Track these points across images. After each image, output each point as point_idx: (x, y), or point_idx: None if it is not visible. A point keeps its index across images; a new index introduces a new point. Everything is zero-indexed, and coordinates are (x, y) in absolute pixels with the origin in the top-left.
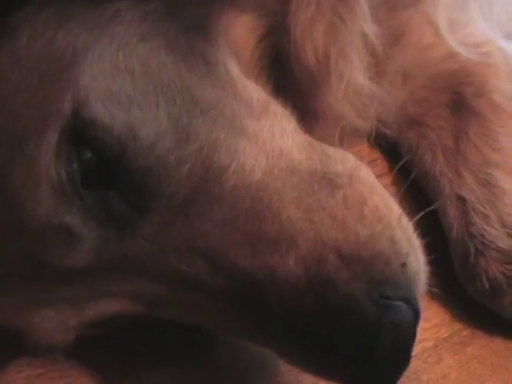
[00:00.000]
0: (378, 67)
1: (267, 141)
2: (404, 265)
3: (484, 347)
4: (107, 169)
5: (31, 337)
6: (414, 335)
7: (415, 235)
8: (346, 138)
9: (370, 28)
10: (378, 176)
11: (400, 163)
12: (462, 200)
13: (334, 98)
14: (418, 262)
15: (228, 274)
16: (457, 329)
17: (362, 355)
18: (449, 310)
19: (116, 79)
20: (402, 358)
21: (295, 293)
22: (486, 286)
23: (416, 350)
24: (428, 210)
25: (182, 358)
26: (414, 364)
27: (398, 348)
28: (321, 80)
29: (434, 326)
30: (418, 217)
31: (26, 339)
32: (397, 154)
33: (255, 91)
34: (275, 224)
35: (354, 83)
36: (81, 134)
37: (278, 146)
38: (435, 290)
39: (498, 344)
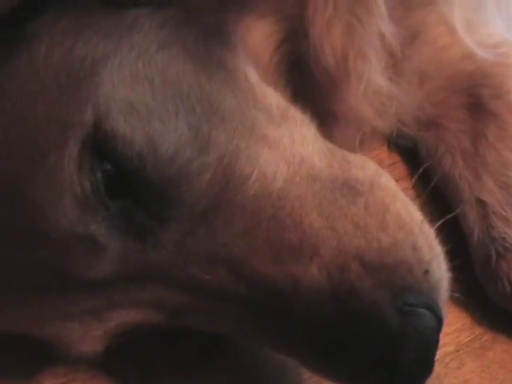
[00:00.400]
0: (395, 67)
1: (288, 148)
2: (427, 272)
3: (505, 351)
4: (129, 179)
5: (60, 348)
6: (437, 342)
7: (437, 242)
8: (366, 140)
9: (387, 28)
10: (398, 179)
11: (420, 170)
12: (482, 203)
13: (353, 98)
14: (440, 269)
15: (250, 283)
16: (478, 333)
17: (386, 363)
18: (470, 315)
19: (135, 89)
20: (425, 364)
21: (319, 301)
22: (508, 289)
23: (437, 354)
24: (448, 217)
25: (203, 367)
26: (436, 369)
27: (421, 355)
28: (340, 81)
29: (455, 330)
30: (439, 223)
31: (55, 350)
32: (416, 157)
33: (274, 98)
34: (297, 232)
35: (373, 83)
36: (102, 145)
37: (298, 153)
38: (456, 294)
39: None
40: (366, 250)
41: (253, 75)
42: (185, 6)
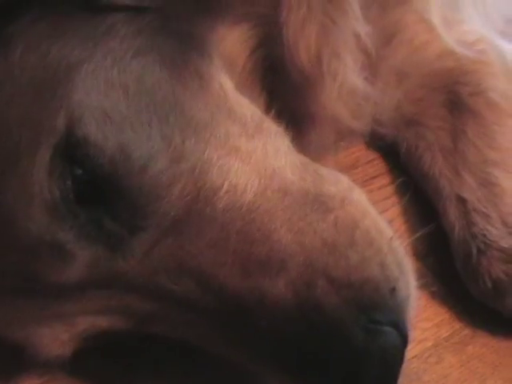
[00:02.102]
0: (371, 67)
1: (260, 160)
2: (393, 290)
3: (485, 346)
4: (99, 186)
5: (29, 351)
6: (401, 360)
7: (406, 259)
8: (343, 139)
9: (362, 28)
10: (376, 176)
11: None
12: (462, 200)
13: (328, 98)
14: (407, 287)
15: (217, 295)
16: (457, 328)
17: (349, 379)
18: (449, 310)
19: (110, 96)
20: (388, 381)
21: (284, 316)
22: (489, 285)
23: (416, 350)
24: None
25: (186, 365)
26: (414, 364)
27: (385, 372)
28: (315, 81)
29: (434, 325)
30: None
31: (24, 353)
32: (394, 154)
33: (249, 109)
34: (266, 246)
35: (348, 83)
36: (73, 152)
37: (270, 166)
38: (434, 289)
39: (498, 342)
40: (334, 267)
41: (228, 84)
42: (161, 13)
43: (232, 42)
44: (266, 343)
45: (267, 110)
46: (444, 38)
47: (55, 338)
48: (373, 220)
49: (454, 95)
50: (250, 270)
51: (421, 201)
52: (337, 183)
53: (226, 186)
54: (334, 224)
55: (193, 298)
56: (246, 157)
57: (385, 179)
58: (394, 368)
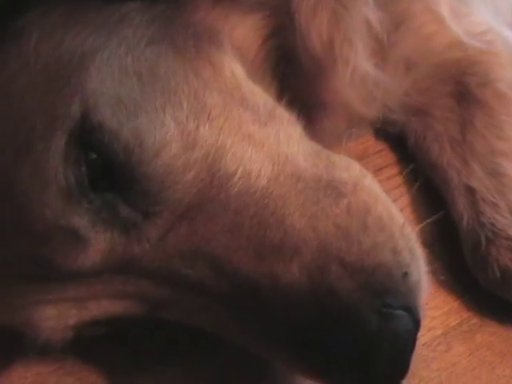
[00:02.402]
0: (382, 53)
1: (273, 147)
2: (406, 275)
3: (493, 334)
4: (114, 172)
5: (30, 334)
6: (413, 343)
7: (417, 245)
8: (354, 128)
9: (372, 14)
10: (385, 167)
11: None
12: (470, 190)
13: (340, 85)
14: (419, 272)
15: (231, 280)
16: (466, 317)
17: (362, 362)
18: (457, 299)
19: (124, 83)
20: (400, 365)
21: (298, 300)
22: (498, 274)
23: (425, 338)
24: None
25: (192, 355)
26: (423, 352)
27: (397, 356)
28: (327, 67)
29: (442, 314)
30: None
31: (24, 337)
32: (402, 144)
33: (262, 96)
34: (279, 231)
35: (360, 69)
36: (88, 138)
37: (283, 153)
38: (443, 278)
39: (507, 331)
40: (347, 252)
41: (240, 72)
42: (174, 2)
43: (244, 31)
44: (280, 327)
45: (279, 98)
46: (452, 28)
47: (61, 322)
48: (385, 206)
49: (461, 86)
50: (264, 255)
51: (429, 191)
52: (349, 169)
53: (239, 172)
54: (347, 209)
55: (207, 283)
56: (259, 143)
57: (393, 169)
58: (406, 351)
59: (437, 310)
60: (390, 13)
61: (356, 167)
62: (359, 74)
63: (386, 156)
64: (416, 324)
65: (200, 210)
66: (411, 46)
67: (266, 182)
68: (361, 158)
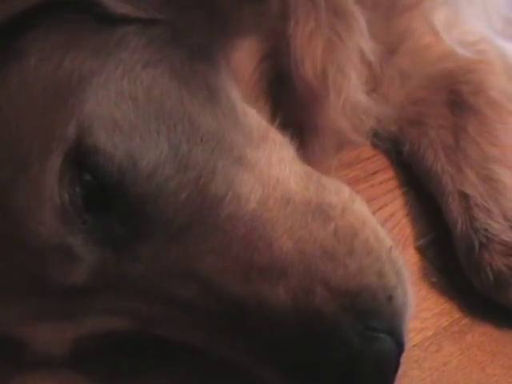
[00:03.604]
0: (374, 80)
1: (264, 170)
2: (390, 298)
3: (484, 334)
4: (108, 192)
5: (31, 347)
6: (395, 366)
7: (404, 268)
8: (343, 150)
9: (366, 43)
10: (377, 171)
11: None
12: (464, 196)
13: (332, 112)
14: (404, 295)
15: (219, 299)
16: (456, 317)
17: (344, 383)
18: (448, 300)
19: (120, 106)
20: None
21: (283, 321)
22: (491, 278)
23: (417, 339)
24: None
25: (170, 366)
26: (415, 353)
27: (378, 377)
28: (320, 95)
29: (434, 315)
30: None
31: (26, 350)
32: (394, 150)
33: (255, 119)
34: (267, 254)
35: (352, 99)
36: (83, 159)
37: (274, 175)
38: (434, 280)
39: (497, 331)
40: (333, 275)
41: (235, 95)
42: (172, 26)
43: (240, 54)
44: (265, 347)
45: (272, 119)
46: (445, 39)
47: (59, 336)
48: (372, 229)
49: (455, 94)
50: (251, 277)
51: (423, 196)
52: (339, 193)
53: (229, 195)
54: (334, 233)
55: (196, 303)
56: (251, 166)
57: (386, 174)
58: (387, 373)
59: (428, 312)
60: (387, 37)
61: (346, 191)
62: (351, 103)
63: (379, 161)
64: (399, 347)
65: (191, 231)
66: (407, 61)
67: (255, 205)
68: (353, 163)
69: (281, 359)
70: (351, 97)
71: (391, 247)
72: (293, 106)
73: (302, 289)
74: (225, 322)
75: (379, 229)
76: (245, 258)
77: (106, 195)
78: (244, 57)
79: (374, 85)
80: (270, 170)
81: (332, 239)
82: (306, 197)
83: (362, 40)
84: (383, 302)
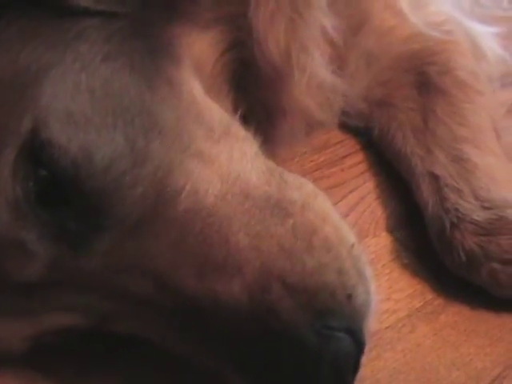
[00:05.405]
0: (339, 58)
1: (224, 164)
2: (350, 296)
3: (457, 314)
4: (63, 187)
5: None
6: (354, 366)
7: (367, 265)
8: (312, 131)
9: (328, 21)
10: (347, 155)
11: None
12: (434, 177)
13: (298, 91)
14: (366, 294)
15: (174, 295)
16: (429, 298)
17: (301, 381)
18: (421, 281)
19: (76, 100)
20: None
21: (237, 318)
22: (463, 258)
23: (390, 320)
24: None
25: (137, 362)
26: (388, 334)
27: (336, 379)
28: (285, 75)
29: (406, 296)
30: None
31: None
32: (363, 133)
33: (218, 113)
34: (223, 250)
35: (317, 77)
36: (38, 153)
37: (235, 170)
38: (406, 261)
39: (470, 310)
40: (290, 272)
41: (197, 88)
42: (132, 19)
43: (202, 46)
44: (221, 344)
45: (235, 111)
46: (411, 20)
47: (17, 333)
48: (333, 226)
49: (422, 76)
50: (206, 273)
51: (393, 178)
52: (300, 188)
53: (187, 189)
54: (293, 229)
55: (151, 299)
56: (210, 161)
57: (356, 157)
58: (344, 374)
59: (401, 293)
60: (348, 17)
61: (308, 187)
62: (316, 82)
63: (348, 145)
64: (359, 346)
65: (147, 225)
66: (372, 43)
67: (213, 199)
68: (323, 148)
69: (236, 358)
70: (316, 75)
71: (353, 244)
72: (258, 90)
73: (258, 286)
74: (180, 318)
75: (341, 225)
76: (200, 254)
77: (62, 190)
78: (206, 49)
79: (339, 63)
80: (230, 165)
81: (290, 236)
82: (267, 192)
83: (322, 16)
84: (342, 301)
